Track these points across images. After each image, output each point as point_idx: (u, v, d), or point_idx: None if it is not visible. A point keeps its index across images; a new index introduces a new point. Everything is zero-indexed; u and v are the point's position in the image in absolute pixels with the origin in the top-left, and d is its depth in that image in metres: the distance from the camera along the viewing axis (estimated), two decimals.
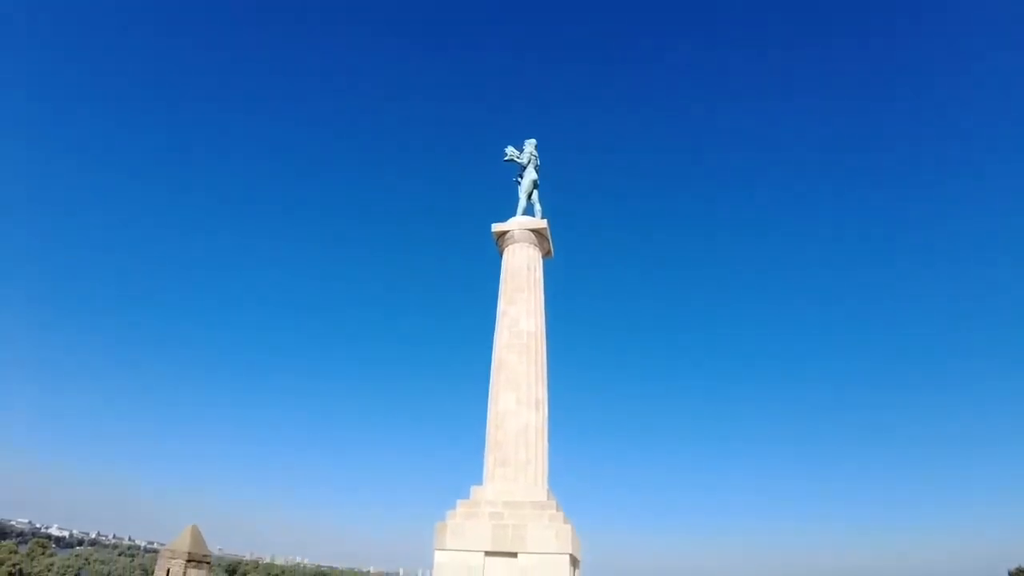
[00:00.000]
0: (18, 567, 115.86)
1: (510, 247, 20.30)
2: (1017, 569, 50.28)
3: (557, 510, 16.27)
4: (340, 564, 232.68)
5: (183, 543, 26.89)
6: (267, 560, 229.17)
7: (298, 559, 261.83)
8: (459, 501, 16.94)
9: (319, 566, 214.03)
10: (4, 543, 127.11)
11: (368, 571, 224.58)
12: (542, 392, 18.28)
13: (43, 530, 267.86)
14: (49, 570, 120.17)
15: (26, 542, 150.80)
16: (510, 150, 21.84)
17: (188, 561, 26.50)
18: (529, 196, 21.34)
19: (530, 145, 21.93)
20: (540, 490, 16.79)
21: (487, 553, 15.60)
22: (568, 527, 15.65)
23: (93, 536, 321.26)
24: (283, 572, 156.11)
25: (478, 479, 17.76)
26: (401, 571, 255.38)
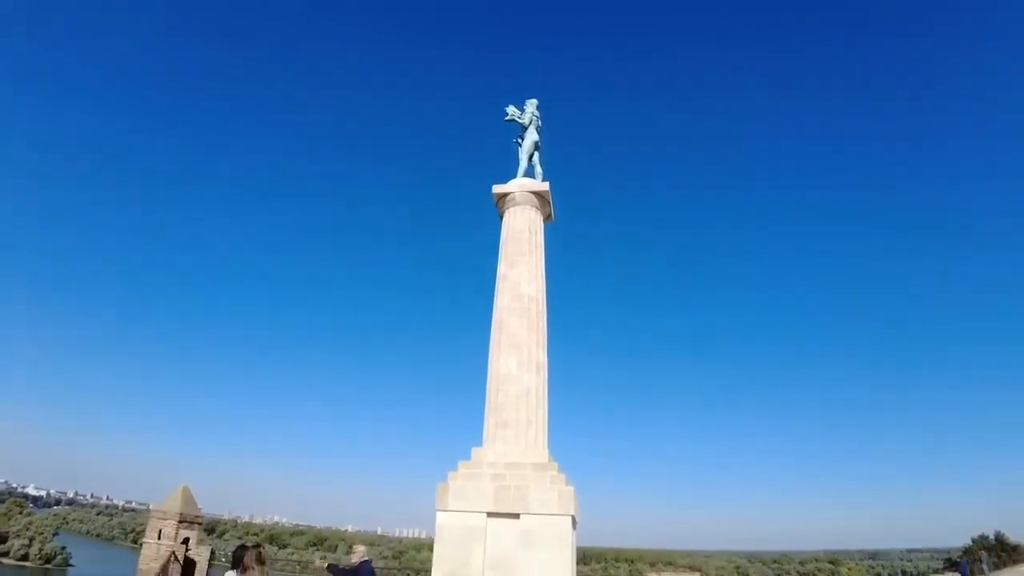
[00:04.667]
0: None
1: (511, 209, 20.09)
2: (980, 536, 52.81)
3: (558, 472, 16.51)
4: (318, 523, 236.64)
5: (174, 504, 26.87)
6: (245, 519, 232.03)
7: (276, 518, 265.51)
8: (460, 462, 17.08)
9: (297, 525, 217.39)
10: None
11: (346, 529, 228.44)
12: (543, 355, 18.36)
13: (19, 490, 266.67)
14: (27, 529, 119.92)
15: (2, 502, 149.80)
16: (511, 110, 21.39)
17: (180, 522, 26.56)
18: (530, 158, 21.01)
19: (531, 105, 21.49)
20: (541, 452, 17.01)
21: (489, 514, 15.81)
22: (570, 489, 15.92)
23: (71, 496, 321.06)
24: (261, 531, 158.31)
25: (474, 443, 17.88)
26: (379, 529, 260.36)
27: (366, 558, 11.10)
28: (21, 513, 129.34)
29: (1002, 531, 52.80)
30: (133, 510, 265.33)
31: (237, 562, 9.37)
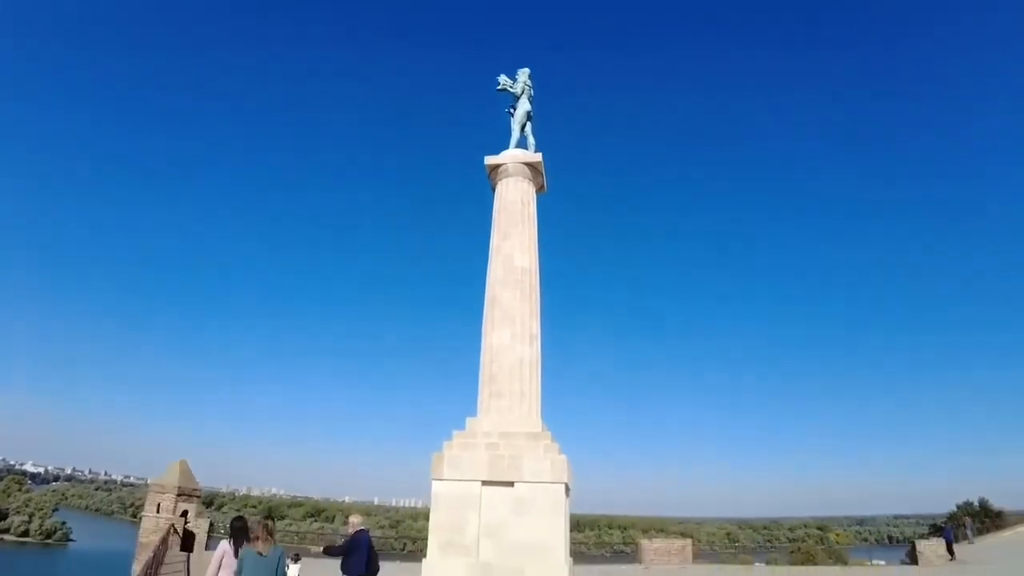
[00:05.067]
0: None
1: (503, 181, 19.94)
2: (965, 503, 53.81)
3: (552, 441, 16.72)
4: (315, 495, 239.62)
5: (172, 478, 27.09)
6: (243, 492, 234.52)
7: (273, 491, 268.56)
8: (455, 432, 17.24)
9: (294, 497, 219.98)
10: None
11: (343, 500, 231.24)
12: (536, 327, 18.42)
13: (17, 467, 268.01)
14: (27, 506, 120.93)
15: (1, 479, 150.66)
16: (503, 79, 21.07)
17: (178, 495, 26.79)
18: (522, 128, 20.77)
19: (523, 74, 21.18)
20: (534, 422, 17.19)
21: (483, 482, 16.03)
22: (563, 458, 16.13)
23: (69, 472, 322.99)
24: (259, 503, 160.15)
25: (468, 413, 18.01)
26: (375, 499, 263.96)
27: (362, 528, 11.22)
28: (20, 490, 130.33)
29: (986, 498, 53.90)
30: (131, 485, 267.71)
31: (235, 532, 9.48)
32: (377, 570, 10.99)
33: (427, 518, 16.47)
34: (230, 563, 9.01)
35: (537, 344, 18.38)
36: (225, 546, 9.15)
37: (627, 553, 31.99)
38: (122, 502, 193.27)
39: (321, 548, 13.15)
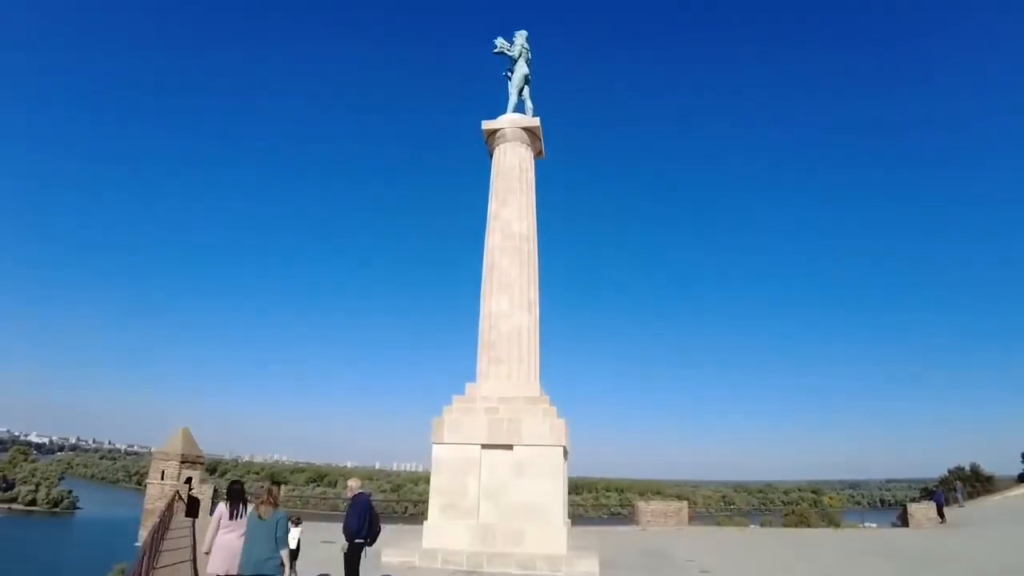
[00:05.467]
0: (1, 473, 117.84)
1: (501, 146, 19.72)
2: (956, 467, 54.47)
3: (550, 405, 16.88)
4: (317, 460, 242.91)
5: (176, 445, 27.40)
6: (246, 459, 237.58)
7: (276, 457, 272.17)
8: (455, 397, 17.40)
9: (296, 462, 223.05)
10: None
11: (345, 465, 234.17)
12: (534, 294, 18.44)
13: (22, 438, 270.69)
14: (33, 475, 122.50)
15: (6, 450, 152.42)
16: (500, 42, 20.66)
17: (182, 462, 27.12)
18: (520, 92, 20.45)
19: (521, 37, 20.75)
20: (533, 387, 17.34)
21: (483, 446, 16.25)
22: (561, 421, 16.31)
23: (73, 442, 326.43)
24: (262, 469, 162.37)
25: (468, 379, 18.15)
26: (377, 464, 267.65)
27: (361, 490, 11.33)
28: (26, 460, 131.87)
29: (977, 463, 54.63)
30: (135, 453, 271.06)
31: (232, 495, 9.61)
32: (378, 531, 11.15)
33: (428, 482, 16.73)
34: (227, 524, 9.18)
35: (536, 311, 18.42)
36: (222, 508, 9.30)
37: (624, 515, 32.59)
38: (127, 470, 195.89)
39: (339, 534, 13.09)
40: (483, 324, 18.18)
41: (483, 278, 18.67)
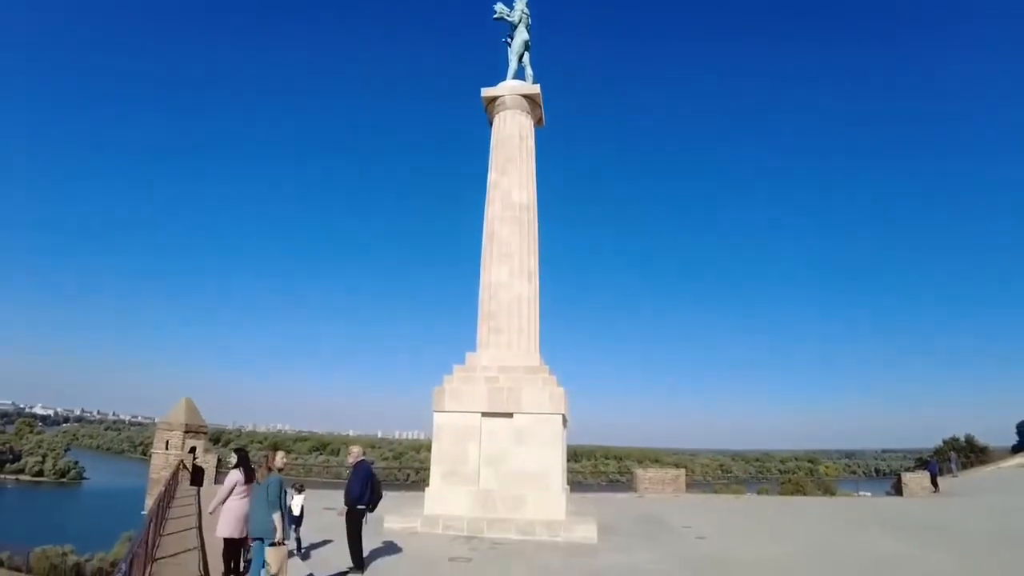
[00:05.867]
0: (8, 445, 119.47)
1: (500, 114, 19.50)
2: (951, 438, 55.00)
3: (549, 374, 17.02)
4: (320, 429, 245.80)
5: (178, 415, 27.67)
6: (249, 429, 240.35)
7: (279, 426, 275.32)
8: (455, 366, 17.52)
9: (299, 432, 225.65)
10: None
11: (348, 434, 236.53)
12: (534, 264, 18.42)
13: (27, 410, 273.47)
14: (39, 447, 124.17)
15: (12, 422, 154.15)
16: (499, 7, 20.26)
17: (186, 432, 27.41)
18: (520, 58, 20.13)
19: (521, 2, 20.32)
20: (533, 356, 17.45)
21: (483, 414, 16.42)
22: (560, 390, 16.45)
23: (78, 413, 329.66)
24: (265, 439, 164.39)
25: (468, 349, 18.26)
26: (379, 432, 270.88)
27: (362, 457, 11.48)
28: (32, 432, 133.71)
29: (972, 434, 55.20)
30: (140, 424, 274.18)
31: (241, 462, 9.77)
32: (379, 497, 11.32)
33: (429, 450, 16.93)
34: (240, 490, 9.40)
35: (535, 281, 18.43)
36: (237, 475, 9.50)
37: (622, 482, 33.10)
38: (131, 441, 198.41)
39: (339, 500, 13.23)
40: (483, 294, 18.20)
41: (483, 248, 18.64)
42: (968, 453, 50.19)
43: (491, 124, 19.96)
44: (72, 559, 39.81)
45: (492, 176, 19.03)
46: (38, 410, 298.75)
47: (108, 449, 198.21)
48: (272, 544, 7.78)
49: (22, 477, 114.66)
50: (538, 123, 20.46)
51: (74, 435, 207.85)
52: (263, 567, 7.84)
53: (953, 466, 40.39)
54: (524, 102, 19.56)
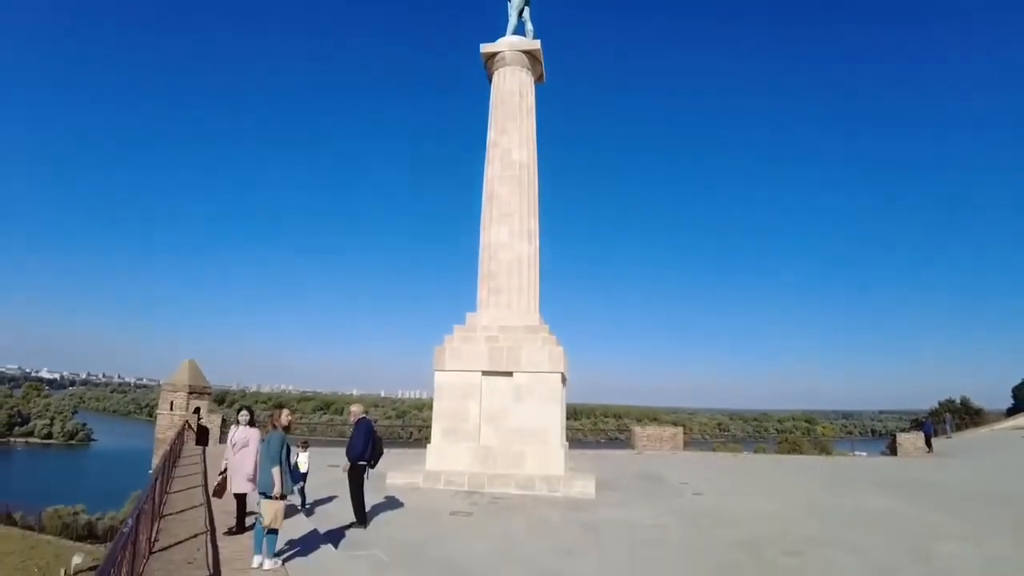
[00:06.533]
0: (16, 408, 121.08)
1: (500, 71, 19.12)
2: (947, 399, 55.50)
3: (549, 334, 17.11)
4: (323, 389, 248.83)
5: (182, 377, 27.92)
6: (253, 389, 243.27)
7: (283, 387, 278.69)
8: (455, 326, 17.60)
9: (303, 392, 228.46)
10: None
11: (351, 393, 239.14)
12: (534, 224, 18.33)
13: (33, 374, 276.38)
14: (47, 410, 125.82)
15: (19, 386, 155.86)
16: None
17: (190, 393, 27.71)
18: (520, 13, 19.64)
19: None
20: (533, 316, 17.51)
21: (484, 373, 16.58)
22: (560, 349, 16.56)
23: (83, 377, 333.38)
24: (269, 399, 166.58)
25: (468, 309, 18.33)
26: (381, 392, 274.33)
27: (363, 415, 11.62)
28: (39, 395, 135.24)
29: (968, 396, 55.74)
30: (145, 386, 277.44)
31: (245, 419, 9.93)
32: (381, 454, 11.51)
33: (432, 408, 17.15)
34: (241, 445, 9.56)
35: (535, 241, 18.37)
36: (254, 433, 9.68)
37: (621, 440, 33.61)
38: (137, 403, 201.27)
39: (342, 456, 13.42)
40: (483, 254, 18.16)
41: (483, 208, 18.52)
42: (963, 415, 50.79)
43: (490, 81, 19.60)
44: (83, 518, 40.76)
45: (491, 135, 18.77)
46: (44, 374, 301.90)
47: (115, 411, 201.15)
48: (269, 497, 7.93)
49: (31, 440, 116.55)
50: (539, 80, 20.09)
51: (81, 398, 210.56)
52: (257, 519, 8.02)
53: (948, 427, 40.89)
54: (524, 58, 19.17)
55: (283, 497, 8.06)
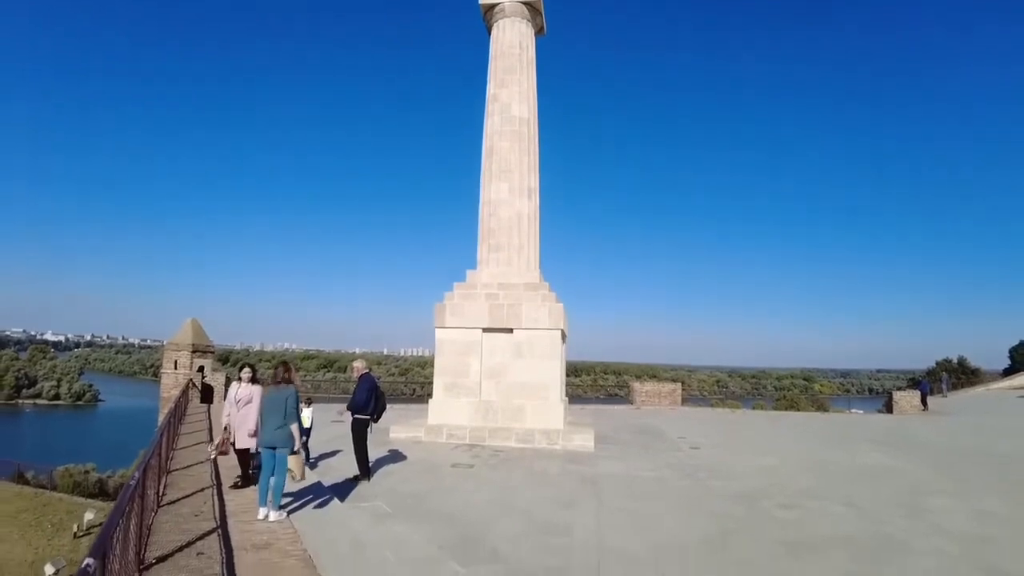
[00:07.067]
0: (23, 371, 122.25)
1: (499, 22, 18.58)
2: (945, 359, 55.82)
3: (549, 291, 17.09)
4: (327, 348, 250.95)
5: (185, 336, 28.09)
6: (256, 348, 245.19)
7: (286, 345, 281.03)
8: (456, 284, 17.59)
9: (307, 350, 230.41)
10: (3, 352, 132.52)
11: (354, 351, 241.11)
12: (534, 180, 18.10)
13: (38, 337, 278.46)
14: (54, 372, 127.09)
15: (25, 349, 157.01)
16: None
17: (193, 352, 27.92)
18: None
19: None
20: (533, 273, 17.47)
21: (484, 330, 16.65)
22: (559, 306, 16.58)
23: (88, 338, 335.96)
24: (272, 358, 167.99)
25: (468, 266, 18.28)
26: (384, 349, 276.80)
27: (366, 371, 11.68)
28: (45, 358, 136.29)
29: (965, 356, 56.09)
30: (149, 347, 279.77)
31: (247, 376, 9.98)
32: (383, 408, 11.62)
33: (434, 365, 17.29)
34: (244, 400, 9.64)
35: (536, 197, 18.18)
36: (257, 389, 9.74)
37: (620, 396, 33.95)
38: (142, 363, 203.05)
39: (338, 412, 13.58)
40: (483, 211, 18.01)
41: (482, 164, 18.27)
42: (960, 375, 51.26)
43: (489, 33, 19.09)
44: (94, 476, 41.60)
45: (491, 89, 18.37)
46: (49, 336, 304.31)
47: (120, 372, 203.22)
48: (294, 452, 8.12)
49: (39, 401, 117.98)
50: (539, 32, 19.57)
51: (86, 360, 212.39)
52: (271, 475, 8.14)
53: (944, 386, 41.29)
54: (524, 8, 18.61)
55: (298, 452, 8.24)
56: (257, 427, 8.85)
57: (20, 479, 38.50)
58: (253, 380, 9.85)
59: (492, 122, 18.12)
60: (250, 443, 9.36)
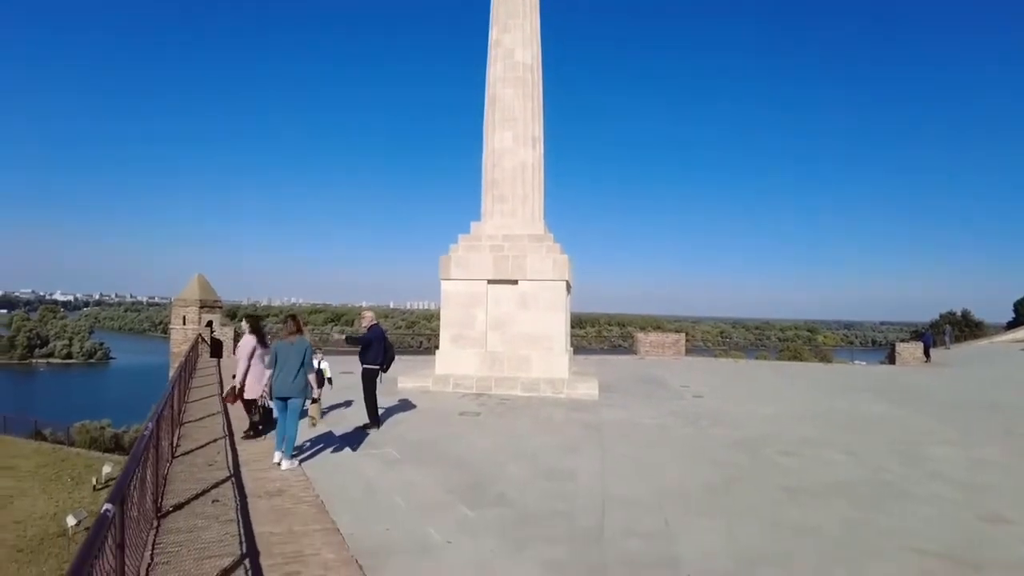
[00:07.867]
0: (34, 331, 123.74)
1: None
2: (948, 312, 55.62)
3: (553, 242, 17.01)
4: (334, 302, 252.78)
5: (192, 292, 28.25)
6: (264, 303, 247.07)
7: (294, 300, 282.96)
8: (461, 236, 17.51)
9: (314, 304, 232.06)
10: (15, 313, 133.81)
11: (361, 305, 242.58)
12: (538, 129, 17.76)
13: (47, 297, 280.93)
14: (65, 331, 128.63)
15: (35, 309, 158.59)
16: None
17: (201, 307, 28.12)
18: None
19: None
20: (537, 224, 17.35)
21: (489, 281, 16.66)
22: (564, 257, 16.53)
23: (97, 297, 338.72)
24: (280, 313, 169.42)
25: (473, 218, 18.15)
26: (391, 303, 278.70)
27: (375, 322, 11.75)
28: (55, 317, 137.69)
29: (969, 309, 55.97)
30: (157, 304, 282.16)
31: (254, 328, 10.06)
32: (392, 359, 11.75)
33: (440, 318, 17.38)
34: (259, 353, 9.75)
35: (540, 147, 17.88)
36: (253, 340, 9.82)
37: (625, 346, 34.27)
38: (151, 320, 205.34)
39: (344, 338, 14.04)
40: (486, 161, 17.75)
41: (485, 113, 17.90)
42: (963, 327, 51.31)
43: None
44: (110, 432, 42.55)
45: (493, 33, 17.82)
46: (58, 296, 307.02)
47: (130, 329, 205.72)
48: (315, 400, 8.39)
49: (52, 360, 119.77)
50: None
51: (96, 318, 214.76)
52: (296, 421, 8.37)
53: (947, 339, 41.40)
54: None
55: (317, 400, 8.48)
56: (269, 378, 8.98)
57: (38, 436, 39.39)
58: (254, 331, 9.95)
59: (495, 68, 17.66)
60: (258, 392, 9.49)
